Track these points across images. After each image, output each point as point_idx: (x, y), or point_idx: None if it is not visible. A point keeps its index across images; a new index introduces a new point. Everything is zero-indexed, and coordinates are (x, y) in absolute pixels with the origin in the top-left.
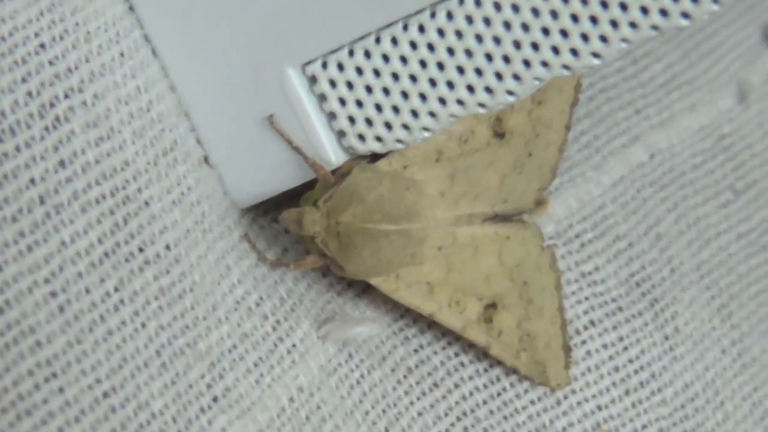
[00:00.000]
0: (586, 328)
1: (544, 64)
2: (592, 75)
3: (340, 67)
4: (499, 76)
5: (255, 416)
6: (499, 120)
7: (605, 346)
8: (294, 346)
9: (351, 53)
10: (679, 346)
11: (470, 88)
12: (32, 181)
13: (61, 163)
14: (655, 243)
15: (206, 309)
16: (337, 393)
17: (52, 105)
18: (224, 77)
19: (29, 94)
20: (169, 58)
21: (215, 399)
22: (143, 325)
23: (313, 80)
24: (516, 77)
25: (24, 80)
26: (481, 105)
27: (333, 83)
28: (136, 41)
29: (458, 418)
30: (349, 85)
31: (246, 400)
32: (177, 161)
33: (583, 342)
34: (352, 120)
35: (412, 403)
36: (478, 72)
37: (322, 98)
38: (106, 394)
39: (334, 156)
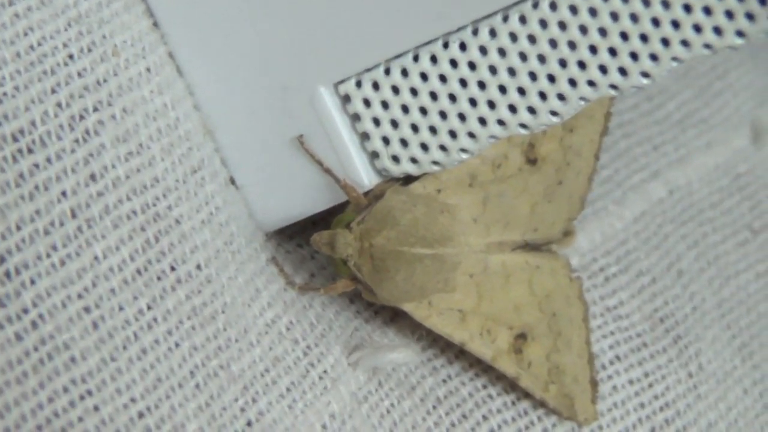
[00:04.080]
0: (611, 363)
1: (591, 83)
2: None
3: (376, 86)
4: (543, 95)
5: None
6: (531, 146)
7: (631, 382)
8: (325, 372)
9: (387, 72)
10: (702, 384)
11: (512, 108)
12: (63, 194)
13: (92, 177)
14: (678, 279)
15: (238, 331)
16: (368, 421)
17: (81, 117)
18: (250, 96)
19: (59, 105)
20: (193, 76)
21: (249, 423)
22: (177, 345)
23: (346, 99)
24: (561, 97)
25: (54, 91)
26: (523, 126)
27: (367, 102)
28: (161, 57)
29: None
30: (385, 105)
31: (280, 426)
32: (205, 180)
33: (609, 377)
34: (386, 141)
35: None
36: (521, 91)
37: (355, 118)
38: (141, 414)
39: (366, 178)
